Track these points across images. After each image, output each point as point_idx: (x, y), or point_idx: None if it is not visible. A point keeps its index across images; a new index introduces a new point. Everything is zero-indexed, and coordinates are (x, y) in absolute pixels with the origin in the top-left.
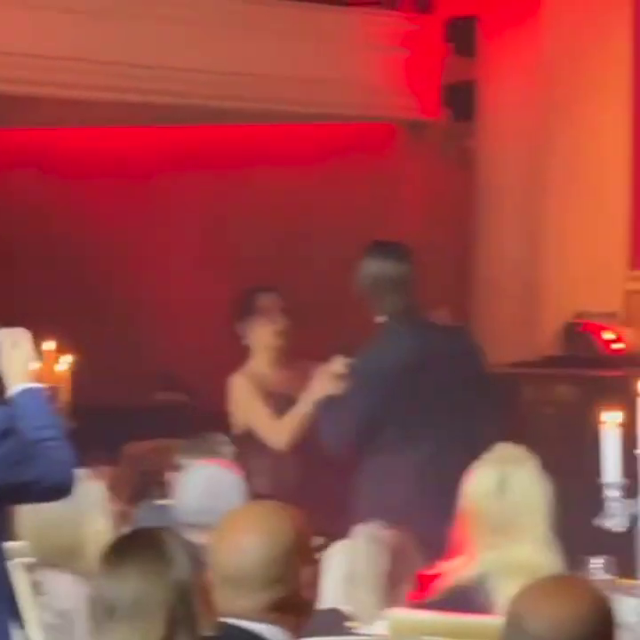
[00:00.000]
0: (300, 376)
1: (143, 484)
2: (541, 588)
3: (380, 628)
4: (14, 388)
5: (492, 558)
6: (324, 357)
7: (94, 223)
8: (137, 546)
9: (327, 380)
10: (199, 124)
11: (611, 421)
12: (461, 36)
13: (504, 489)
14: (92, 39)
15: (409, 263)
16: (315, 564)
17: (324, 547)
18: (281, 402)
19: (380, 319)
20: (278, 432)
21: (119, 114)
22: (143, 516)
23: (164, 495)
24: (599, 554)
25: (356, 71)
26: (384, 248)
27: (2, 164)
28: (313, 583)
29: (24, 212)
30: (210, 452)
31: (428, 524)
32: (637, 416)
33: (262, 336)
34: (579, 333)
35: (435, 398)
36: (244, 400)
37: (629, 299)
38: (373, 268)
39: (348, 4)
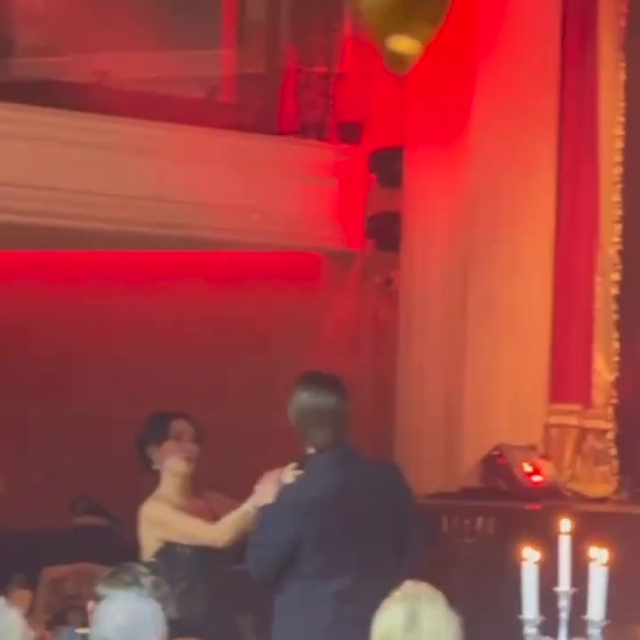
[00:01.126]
0: (209, 506)
1: (63, 609)
2: None
3: None
4: None
5: None
6: (237, 486)
7: (20, 338)
8: None
9: (272, 486)
10: (127, 249)
11: (530, 558)
12: (386, 166)
13: (413, 625)
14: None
15: (340, 395)
16: None
17: None
18: None
19: (309, 450)
20: (217, 530)
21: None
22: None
23: (83, 622)
24: None
25: (281, 200)
26: (315, 380)
27: None
28: None
29: None
30: (131, 583)
31: None
32: (560, 554)
33: (173, 463)
34: (498, 465)
35: (357, 530)
36: (167, 516)
37: (549, 431)
38: (304, 399)
39: (276, 134)
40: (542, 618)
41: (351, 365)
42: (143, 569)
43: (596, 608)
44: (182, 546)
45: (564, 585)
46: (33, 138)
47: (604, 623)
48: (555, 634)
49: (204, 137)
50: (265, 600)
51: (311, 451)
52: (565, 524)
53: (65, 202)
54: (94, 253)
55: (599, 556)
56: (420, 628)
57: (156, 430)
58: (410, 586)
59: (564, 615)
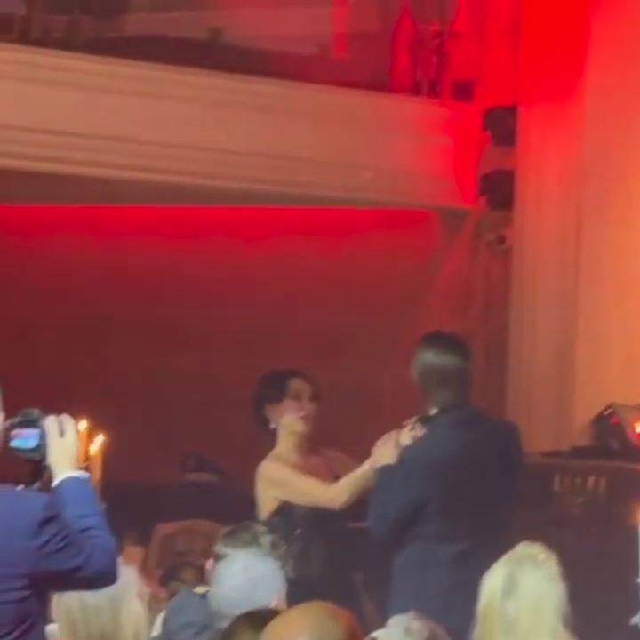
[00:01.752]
0: (327, 464)
1: (174, 566)
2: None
3: None
4: (60, 475)
5: None
6: (350, 445)
7: (122, 298)
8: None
9: (392, 447)
10: (240, 205)
11: None
12: (500, 124)
13: (512, 589)
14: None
15: (464, 356)
16: None
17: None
18: None
19: (432, 411)
20: (335, 491)
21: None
22: (182, 603)
23: (196, 578)
24: None
25: (394, 157)
26: (440, 340)
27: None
28: None
29: (43, 290)
30: (249, 542)
31: (460, 619)
32: None
33: (290, 422)
34: (610, 425)
35: (478, 492)
36: (285, 475)
37: None
38: (428, 359)
39: (389, 91)
40: None
41: (463, 323)
42: (262, 528)
43: None
44: (299, 505)
45: None
46: (147, 94)
47: None
48: None
49: (318, 94)
50: (381, 559)
51: (434, 411)
52: None
53: (184, 159)
54: (205, 209)
55: None
56: (519, 592)
57: (274, 388)
58: (519, 548)
59: None
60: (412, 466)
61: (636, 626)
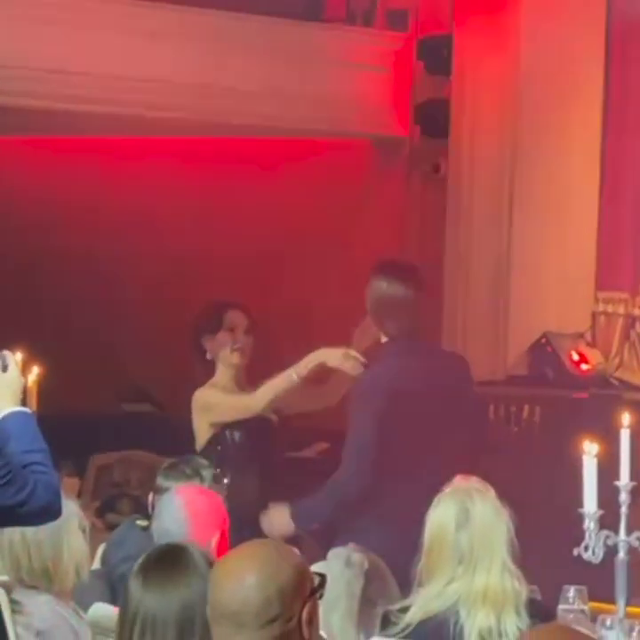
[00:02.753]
0: None
1: (111, 497)
2: (547, 634)
3: None
4: (3, 410)
5: (458, 589)
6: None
7: (66, 228)
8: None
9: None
10: (176, 136)
11: (590, 451)
12: (434, 53)
13: (465, 521)
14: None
15: (415, 285)
16: (314, 601)
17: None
18: None
19: (383, 340)
20: (258, 394)
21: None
22: (123, 536)
23: (132, 509)
24: (579, 582)
25: (328, 88)
26: (391, 269)
27: None
28: (312, 620)
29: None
30: (191, 475)
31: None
32: (621, 447)
33: (225, 355)
34: (546, 353)
35: (428, 423)
36: (216, 397)
37: (596, 319)
38: (382, 288)
39: (323, 21)
40: (600, 511)
41: (397, 252)
42: (203, 461)
43: None
44: (232, 431)
45: (624, 478)
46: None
47: None
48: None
49: (251, 24)
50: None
51: (384, 339)
52: (626, 418)
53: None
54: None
55: None
56: (472, 523)
57: (210, 320)
58: (460, 481)
59: (624, 509)
60: (366, 390)
61: (578, 556)
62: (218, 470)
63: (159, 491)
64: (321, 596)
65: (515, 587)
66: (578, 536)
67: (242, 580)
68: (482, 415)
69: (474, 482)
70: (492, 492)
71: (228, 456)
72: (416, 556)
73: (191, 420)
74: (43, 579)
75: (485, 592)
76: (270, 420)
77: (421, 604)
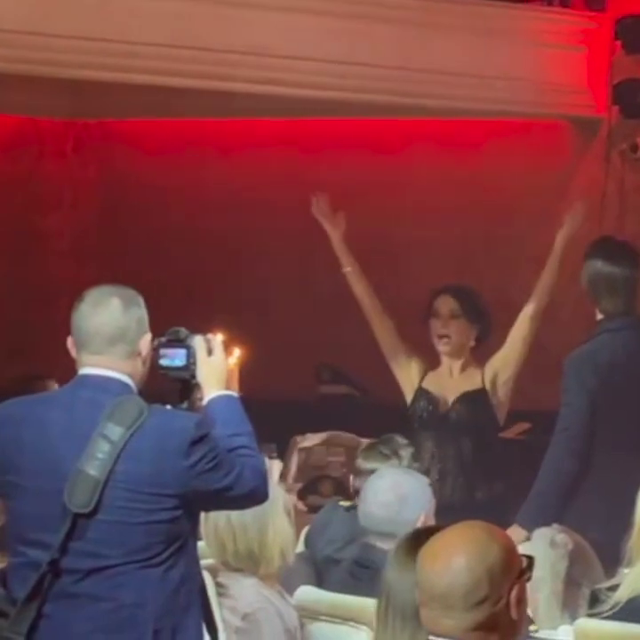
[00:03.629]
0: None
1: (313, 479)
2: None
3: (563, 633)
4: (209, 394)
5: None
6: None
7: (255, 212)
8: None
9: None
10: (373, 117)
11: None
12: (632, 33)
13: None
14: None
15: (631, 263)
16: (522, 582)
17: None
18: None
19: (598, 317)
20: None
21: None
22: (327, 519)
23: (333, 490)
24: None
25: (525, 68)
26: (607, 247)
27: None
28: (520, 602)
29: (176, 203)
30: (389, 455)
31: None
32: None
33: (434, 343)
34: None
35: (636, 398)
36: None
37: None
38: (595, 266)
39: (521, 1)
40: None
41: (597, 231)
42: (402, 441)
43: None
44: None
45: None
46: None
47: None
48: None
49: (451, 6)
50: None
51: (599, 316)
52: None
53: (317, 72)
54: (339, 122)
55: None
56: None
57: (425, 308)
58: None
59: None
60: (578, 365)
61: None
62: (415, 449)
63: (359, 473)
64: (529, 579)
65: None
66: None
67: (449, 561)
68: None
69: None
70: None
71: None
72: (627, 532)
73: (389, 401)
74: (248, 562)
75: None
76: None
77: (630, 582)
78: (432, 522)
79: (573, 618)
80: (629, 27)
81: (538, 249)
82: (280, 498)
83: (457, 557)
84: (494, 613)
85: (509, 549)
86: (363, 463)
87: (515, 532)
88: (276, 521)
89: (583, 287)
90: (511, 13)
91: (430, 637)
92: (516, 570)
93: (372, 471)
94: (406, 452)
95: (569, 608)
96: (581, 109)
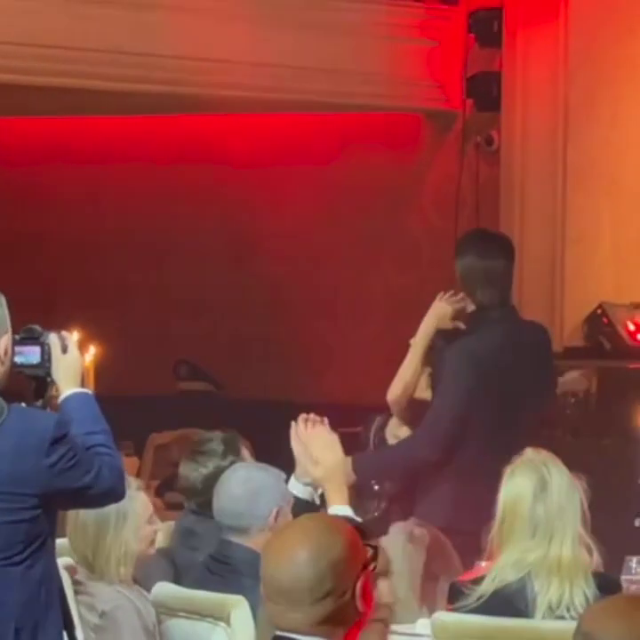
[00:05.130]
0: None
1: (170, 476)
2: (613, 605)
3: (421, 627)
4: (65, 393)
5: (533, 559)
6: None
7: (113, 209)
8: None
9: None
10: (215, 113)
11: None
12: (485, 26)
13: (543, 491)
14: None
15: (506, 255)
16: (367, 573)
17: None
18: None
19: (470, 308)
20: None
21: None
22: (187, 517)
23: None
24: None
25: (380, 62)
26: (482, 240)
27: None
28: (366, 593)
29: (46, 201)
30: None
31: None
32: None
33: None
34: (602, 324)
35: (512, 393)
36: None
37: None
38: (470, 258)
39: None
40: None
41: (453, 225)
42: (214, 435)
43: None
44: None
45: None
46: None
47: None
48: None
49: (301, 1)
50: None
51: (472, 308)
52: None
53: (171, 68)
54: (191, 118)
55: None
56: (550, 493)
57: None
58: (533, 454)
59: None
60: (461, 360)
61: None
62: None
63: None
64: (374, 568)
65: (586, 559)
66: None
67: (293, 556)
68: (554, 388)
69: (547, 454)
70: (563, 466)
71: None
72: (487, 526)
73: (246, 399)
74: (107, 560)
75: (559, 563)
76: None
77: (495, 575)
78: (288, 517)
79: (432, 611)
80: (482, 20)
81: (396, 247)
82: (140, 495)
83: (300, 552)
84: (340, 606)
85: (352, 541)
86: (185, 483)
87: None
88: (136, 518)
89: (458, 278)
90: (365, 7)
91: (277, 632)
92: (360, 561)
93: (196, 491)
94: (218, 446)
95: (427, 602)
96: (436, 103)
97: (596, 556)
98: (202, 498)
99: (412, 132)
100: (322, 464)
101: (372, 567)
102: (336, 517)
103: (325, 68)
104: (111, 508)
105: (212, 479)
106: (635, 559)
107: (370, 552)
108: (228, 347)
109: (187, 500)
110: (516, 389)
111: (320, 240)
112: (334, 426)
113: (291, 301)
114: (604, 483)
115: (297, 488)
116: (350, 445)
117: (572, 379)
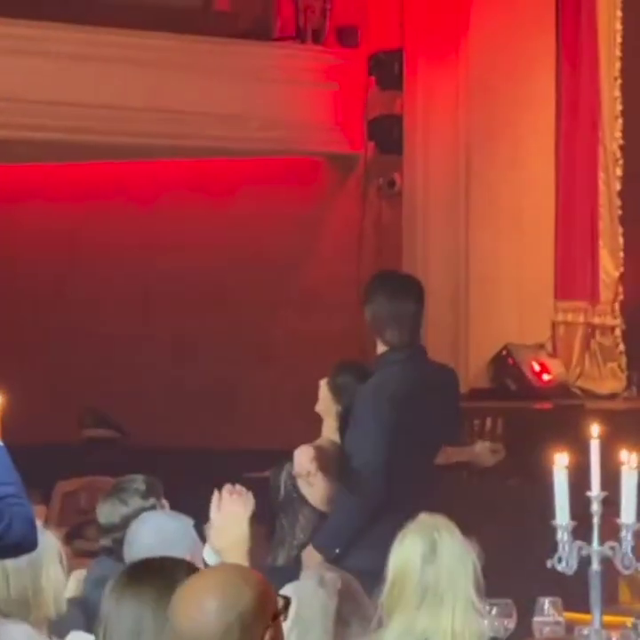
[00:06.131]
0: None
1: (78, 524)
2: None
3: None
4: None
5: (425, 627)
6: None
7: (22, 254)
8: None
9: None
10: (122, 159)
11: (560, 463)
12: (386, 69)
13: (433, 556)
14: None
15: (416, 298)
16: (277, 624)
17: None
18: None
19: (380, 350)
20: None
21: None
22: (101, 564)
23: (99, 535)
24: (553, 593)
25: (280, 106)
26: (390, 283)
27: None
28: None
29: None
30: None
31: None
32: (591, 458)
33: None
34: (507, 365)
35: (424, 432)
36: None
37: (556, 329)
38: (379, 303)
39: (273, 40)
40: (573, 523)
41: (355, 268)
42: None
43: (629, 512)
44: None
45: (596, 489)
46: (24, 52)
47: (637, 526)
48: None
49: (201, 45)
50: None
51: (382, 349)
52: (595, 429)
53: (58, 115)
54: (94, 165)
55: (630, 460)
56: (440, 558)
57: None
58: (426, 517)
59: (596, 519)
60: (375, 403)
61: (552, 568)
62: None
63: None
64: (285, 619)
65: (480, 628)
66: (550, 548)
67: (201, 606)
68: (460, 429)
69: (439, 519)
70: (456, 529)
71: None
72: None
73: (150, 446)
74: (20, 607)
75: (452, 631)
76: None
77: None
78: (200, 563)
79: None
80: (382, 62)
81: (297, 291)
82: (54, 545)
83: (208, 601)
84: None
85: (262, 592)
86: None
87: (310, 555)
88: (50, 567)
89: (368, 319)
90: (263, 51)
91: None
92: (269, 612)
93: (113, 526)
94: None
95: None
96: (336, 146)
97: (503, 599)
98: (119, 533)
99: (313, 175)
100: (224, 537)
101: (283, 617)
102: (247, 568)
103: (225, 114)
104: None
105: (131, 517)
106: (547, 600)
107: (280, 603)
108: (132, 394)
109: (103, 536)
110: (425, 429)
111: (221, 283)
112: (241, 471)
113: (193, 344)
114: (515, 524)
115: (210, 557)
116: (260, 491)
117: (481, 448)
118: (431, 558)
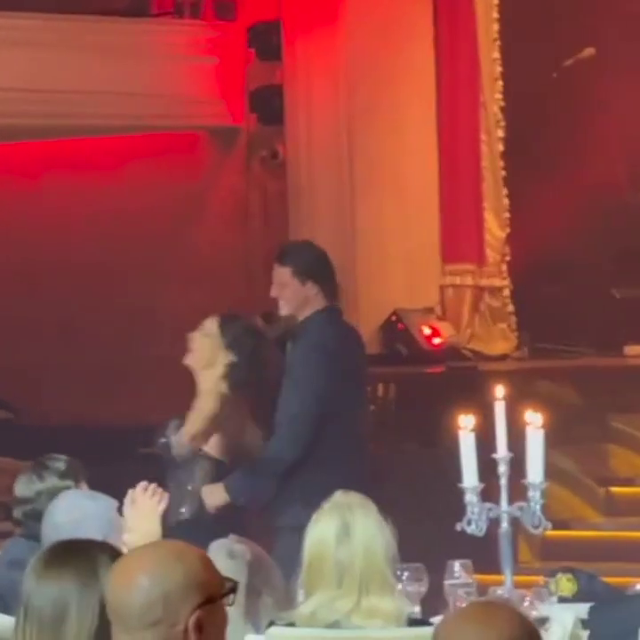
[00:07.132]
0: None
1: None
2: (466, 613)
3: None
4: None
5: (340, 606)
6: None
7: None
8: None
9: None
10: (2, 141)
11: (466, 425)
12: (265, 40)
13: (346, 536)
14: None
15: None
16: (214, 607)
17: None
18: None
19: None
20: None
21: None
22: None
23: (6, 517)
24: (462, 556)
25: (160, 82)
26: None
27: None
28: (203, 628)
29: None
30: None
31: None
32: (496, 420)
33: None
34: (397, 331)
35: (353, 389)
36: None
37: (445, 293)
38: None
39: (150, 16)
40: (481, 485)
41: (242, 239)
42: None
43: (536, 471)
44: None
45: (502, 450)
46: None
47: (544, 485)
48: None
49: (78, 24)
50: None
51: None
52: (499, 390)
53: None
54: None
55: (534, 419)
56: (354, 538)
57: None
58: (340, 496)
59: (503, 481)
60: (317, 358)
61: (462, 531)
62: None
63: (17, 502)
64: (231, 603)
65: (396, 604)
66: (454, 510)
67: (131, 579)
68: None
69: (354, 497)
70: (373, 507)
71: None
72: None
73: (43, 425)
74: None
75: (369, 610)
76: None
77: (305, 622)
78: (122, 547)
79: (257, 627)
80: (261, 34)
81: (184, 263)
82: None
83: (139, 576)
84: (170, 637)
85: (196, 574)
86: (17, 491)
87: (216, 491)
88: None
89: (282, 283)
90: (141, 28)
91: None
92: (200, 595)
93: (26, 499)
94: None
95: (251, 617)
96: (218, 119)
97: (414, 564)
98: (29, 507)
99: (197, 149)
100: (135, 532)
101: (227, 602)
102: (190, 547)
103: (105, 91)
104: None
105: (43, 493)
106: (457, 563)
107: (226, 587)
108: (23, 373)
109: (15, 508)
110: (355, 385)
111: (108, 260)
112: (132, 447)
113: (81, 325)
114: (414, 489)
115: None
116: (155, 465)
117: None
118: (345, 539)
